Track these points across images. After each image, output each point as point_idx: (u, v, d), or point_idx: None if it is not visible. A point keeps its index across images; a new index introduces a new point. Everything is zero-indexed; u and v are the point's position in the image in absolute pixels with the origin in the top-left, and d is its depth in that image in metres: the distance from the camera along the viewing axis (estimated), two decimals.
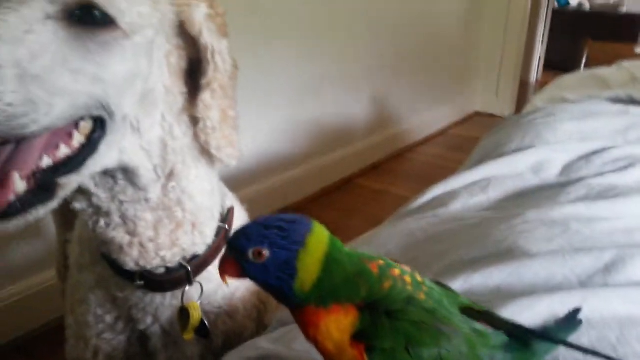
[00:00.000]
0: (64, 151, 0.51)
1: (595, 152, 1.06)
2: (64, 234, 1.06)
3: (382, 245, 0.74)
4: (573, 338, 0.48)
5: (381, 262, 0.40)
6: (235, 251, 0.39)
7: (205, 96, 0.59)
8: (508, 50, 3.74)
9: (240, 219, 0.76)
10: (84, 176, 0.54)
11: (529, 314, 0.51)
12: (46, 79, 0.46)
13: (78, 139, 0.52)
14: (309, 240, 0.37)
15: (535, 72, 5.17)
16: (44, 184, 0.49)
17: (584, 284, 0.56)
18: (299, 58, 2.25)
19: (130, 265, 0.62)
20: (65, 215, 1.01)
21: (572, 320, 0.48)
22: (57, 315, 1.56)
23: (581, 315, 0.48)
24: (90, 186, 0.58)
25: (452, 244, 0.68)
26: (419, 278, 0.42)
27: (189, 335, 0.67)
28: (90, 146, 0.52)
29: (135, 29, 0.52)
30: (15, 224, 0.48)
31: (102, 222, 0.61)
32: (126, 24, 0.50)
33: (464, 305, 0.43)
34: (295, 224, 0.38)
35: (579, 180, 0.92)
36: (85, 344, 0.71)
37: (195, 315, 0.66)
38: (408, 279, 0.41)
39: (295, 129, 2.35)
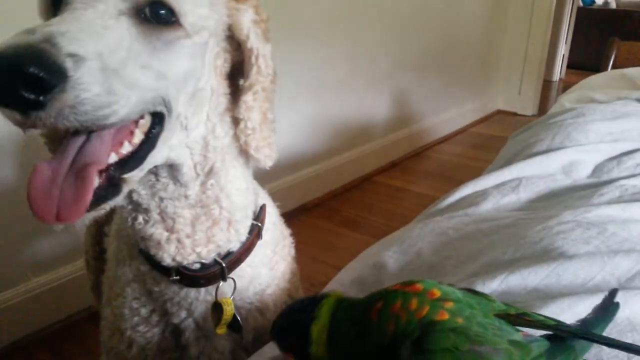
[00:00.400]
0: (127, 148, 0.52)
1: (626, 153, 1.05)
2: (93, 226, 1.08)
3: (414, 244, 0.74)
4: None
5: (379, 305, 0.42)
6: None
7: (247, 98, 0.61)
8: (531, 49, 3.70)
9: (272, 215, 0.77)
10: (144, 171, 0.55)
11: (569, 314, 0.51)
12: (122, 73, 0.47)
13: (138, 136, 0.53)
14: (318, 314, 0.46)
15: (559, 71, 5.10)
16: (112, 180, 0.50)
17: (624, 286, 0.56)
18: (321, 56, 2.25)
19: (167, 260, 0.63)
20: None
21: (608, 306, 0.47)
22: (82, 308, 1.59)
23: (623, 318, 0.47)
24: None
25: (486, 244, 0.68)
26: (437, 293, 0.42)
27: (221, 330, 0.68)
28: (149, 142, 0.54)
29: (196, 30, 0.53)
30: (89, 217, 0.49)
31: (140, 219, 0.62)
32: (189, 24, 0.52)
33: (500, 311, 0.43)
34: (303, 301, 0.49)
35: (612, 181, 0.90)
36: (121, 336, 0.72)
37: (228, 310, 0.67)
38: (413, 304, 0.41)
39: (316, 126, 2.36)
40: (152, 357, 0.72)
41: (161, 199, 0.61)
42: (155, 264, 0.65)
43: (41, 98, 0.40)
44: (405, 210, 2.35)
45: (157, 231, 0.62)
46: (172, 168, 0.59)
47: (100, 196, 0.48)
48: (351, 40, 2.40)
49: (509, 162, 1.08)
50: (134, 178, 0.53)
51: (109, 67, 0.45)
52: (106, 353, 0.77)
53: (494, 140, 3.31)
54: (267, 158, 0.64)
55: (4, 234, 1.42)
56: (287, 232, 0.82)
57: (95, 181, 0.47)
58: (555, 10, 3.71)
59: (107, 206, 0.50)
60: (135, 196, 0.60)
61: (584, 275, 0.56)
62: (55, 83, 0.40)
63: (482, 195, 0.90)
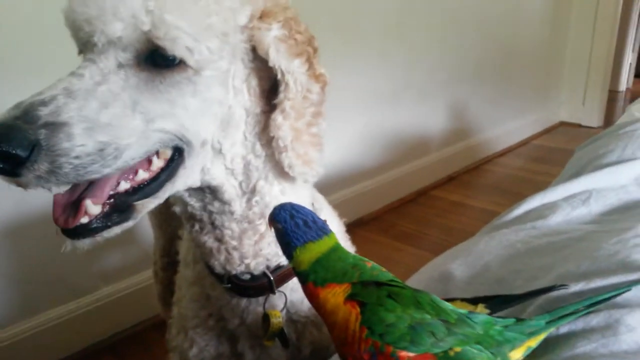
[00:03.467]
0: (142, 176, 0.55)
1: None
2: (162, 238, 1.13)
3: (480, 257, 0.72)
4: None
5: (370, 263, 0.52)
6: (271, 215, 0.52)
7: (276, 116, 0.60)
8: (596, 57, 3.56)
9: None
10: (162, 199, 0.57)
11: None
12: (116, 124, 0.50)
13: (157, 164, 0.56)
14: (309, 245, 0.50)
15: (626, 80, 4.88)
16: (119, 207, 0.54)
17: None
18: (375, 68, 2.26)
19: (218, 269, 0.66)
20: (167, 216, 1.08)
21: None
22: (147, 317, 1.65)
23: None
24: (185, 196, 0.62)
25: (558, 258, 0.65)
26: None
27: (269, 342, 0.69)
28: (168, 171, 0.56)
29: (204, 65, 0.54)
30: (88, 243, 0.53)
31: (196, 227, 0.65)
32: (195, 61, 0.53)
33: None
34: (310, 229, 0.51)
35: None
36: (185, 335, 0.76)
37: (275, 323, 0.68)
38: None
39: (372, 139, 2.36)
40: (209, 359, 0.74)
41: (210, 212, 0.63)
42: (211, 270, 0.68)
43: (16, 169, 0.46)
44: (464, 225, 2.30)
45: (209, 240, 0.65)
46: (211, 189, 0.61)
47: (102, 224, 0.53)
48: (406, 51, 2.40)
49: (577, 174, 1.04)
50: (149, 205, 0.56)
51: (98, 124, 0.49)
52: (172, 351, 0.81)
53: (558, 153, 3.20)
54: (303, 175, 0.62)
55: None
56: (350, 248, 0.82)
57: (94, 210, 0.52)
58: (621, 14, 3.56)
59: (114, 231, 0.54)
60: (189, 208, 0.64)
61: None
62: (24, 156, 0.45)
63: (550, 208, 0.87)
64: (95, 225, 0.52)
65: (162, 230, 1.13)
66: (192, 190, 0.62)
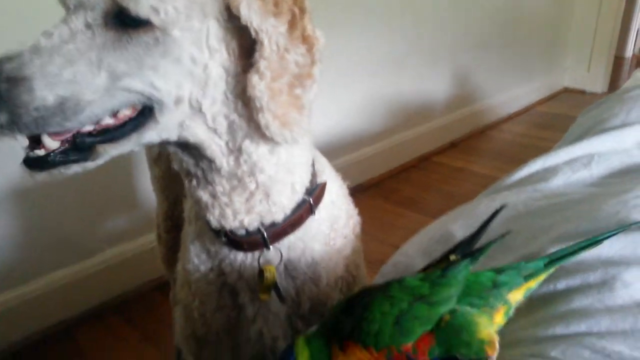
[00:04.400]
0: (107, 121, 0.56)
1: None
2: (165, 201, 1.14)
3: (482, 218, 0.72)
4: None
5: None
6: None
7: (251, 75, 0.58)
8: (602, 22, 3.50)
9: (332, 194, 0.76)
10: (127, 147, 0.58)
11: None
12: (79, 80, 0.51)
13: (124, 112, 0.56)
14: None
15: (632, 46, 4.81)
16: (79, 146, 0.55)
17: None
18: (379, 32, 2.23)
19: (214, 223, 0.67)
20: (169, 180, 1.09)
21: None
22: (151, 278, 1.68)
23: None
24: (179, 153, 0.63)
25: (558, 219, 0.66)
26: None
27: (264, 296, 0.71)
28: (135, 122, 0.57)
29: (172, 25, 0.53)
30: (44, 175, 0.55)
31: (194, 182, 0.66)
32: (161, 21, 0.52)
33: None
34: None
35: None
36: (188, 288, 0.78)
37: (269, 277, 0.69)
38: None
39: (374, 105, 2.34)
40: (211, 312, 0.76)
41: (202, 169, 0.64)
42: (209, 226, 0.69)
43: None
44: (467, 190, 2.31)
45: (205, 195, 0.65)
46: (191, 145, 0.61)
47: (61, 159, 0.55)
48: (410, 17, 2.36)
49: (580, 137, 1.04)
50: (112, 151, 0.57)
51: (61, 80, 0.51)
52: (176, 304, 0.83)
53: (561, 119, 3.18)
54: (279, 137, 0.60)
55: (83, 209, 1.51)
56: (353, 210, 0.82)
57: (52, 145, 0.54)
58: None
59: (72, 169, 0.56)
60: (184, 164, 0.64)
61: None
62: None
63: (552, 171, 0.87)
64: (52, 159, 0.54)
65: (165, 194, 1.13)
66: (183, 147, 0.62)
